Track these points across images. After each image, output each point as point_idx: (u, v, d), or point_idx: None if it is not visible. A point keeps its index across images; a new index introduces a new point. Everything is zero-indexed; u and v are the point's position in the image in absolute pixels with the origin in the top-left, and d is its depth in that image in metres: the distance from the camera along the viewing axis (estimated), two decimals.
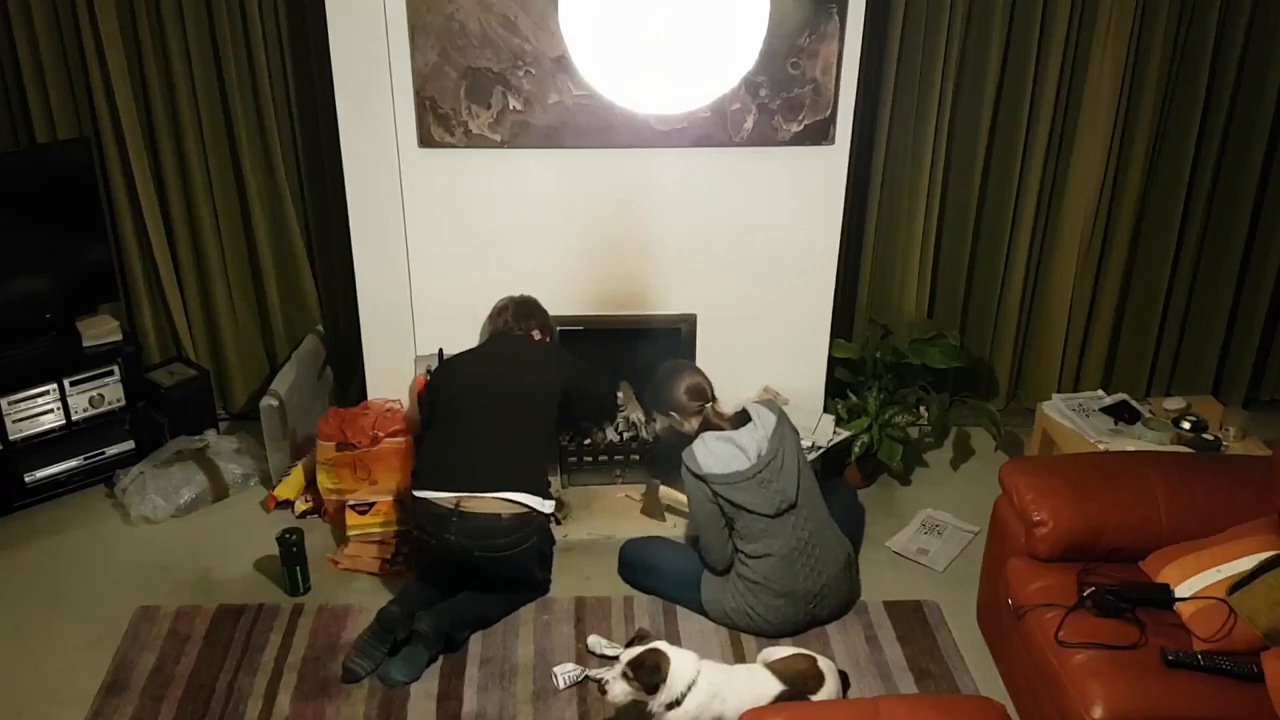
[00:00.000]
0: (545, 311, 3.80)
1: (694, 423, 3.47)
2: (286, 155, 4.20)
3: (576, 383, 3.65)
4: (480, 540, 3.29)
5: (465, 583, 3.44)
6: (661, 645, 2.87)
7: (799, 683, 2.92)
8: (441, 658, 3.32)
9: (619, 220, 3.83)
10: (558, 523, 3.79)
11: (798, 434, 3.48)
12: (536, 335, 3.73)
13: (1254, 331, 4.59)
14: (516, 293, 3.80)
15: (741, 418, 3.44)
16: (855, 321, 4.49)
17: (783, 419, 3.43)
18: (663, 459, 3.83)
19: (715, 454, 3.32)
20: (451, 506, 3.28)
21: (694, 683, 2.83)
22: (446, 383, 3.58)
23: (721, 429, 3.40)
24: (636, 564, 3.63)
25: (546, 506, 3.38)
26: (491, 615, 3.46)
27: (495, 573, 3.39)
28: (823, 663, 3.00)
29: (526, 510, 3.32)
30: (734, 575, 3.38)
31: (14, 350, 3.93)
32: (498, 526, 3.29)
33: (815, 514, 3.39)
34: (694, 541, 3.57)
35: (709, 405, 3.48)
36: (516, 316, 3.72)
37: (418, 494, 3.35)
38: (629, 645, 2.93)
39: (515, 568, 3.42)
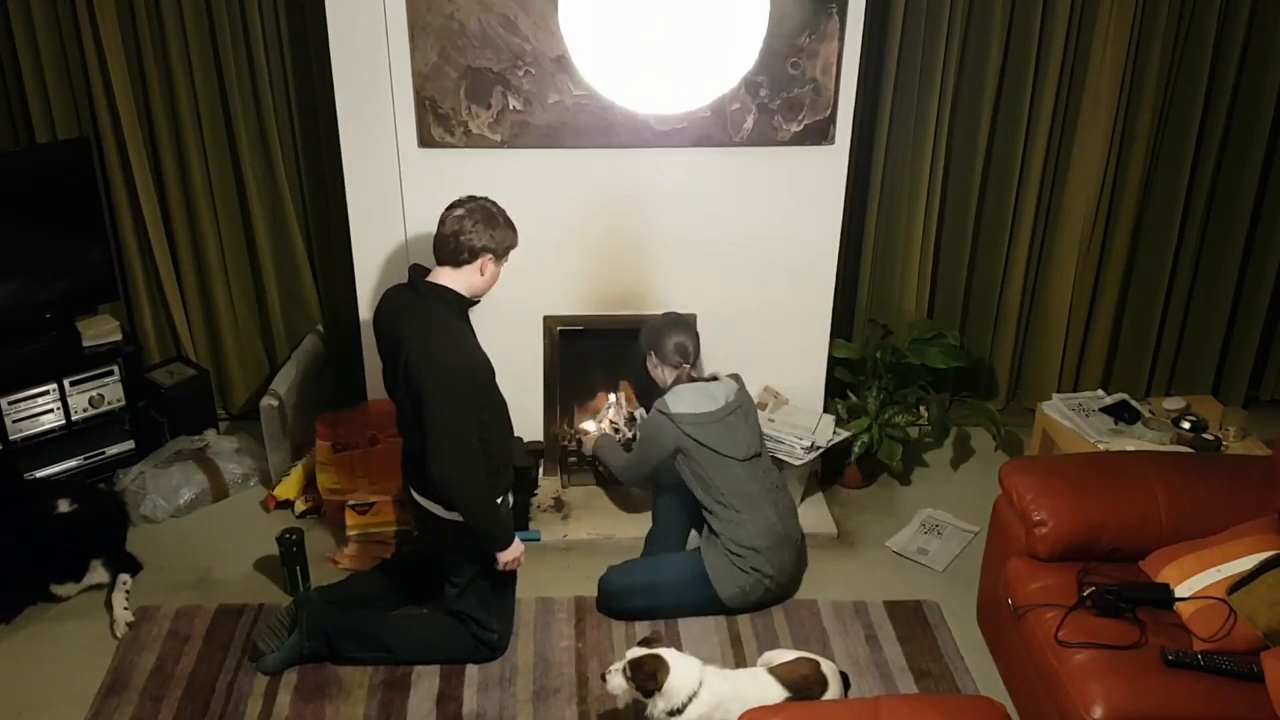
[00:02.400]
0: (498, 232, 3.06)
1: (668, 374, 3.61)
2: (286, 155, 4.20)
3: (426, 398, 2.95)
4: (426, 530, 3.31)
5: (416, 593, 3.41)
6: (668, 653, 2.86)
7: (803, 688, 2.91)
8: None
9: (619, 220, 3.83)
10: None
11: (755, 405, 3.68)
12: (486, 267, 3.08)
13: (1254, 331, 4.59)
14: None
15: (711, 377, 3.65)
16: (855, 321, 4.49)
17: (743, 387, 3.62)
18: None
19: (686, 398, 3.47)
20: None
21: (696, 693, 2.82)
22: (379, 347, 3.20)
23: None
24: (627, 589, 3.50)
25: (449, 515, 3.12)
26: (397, 648, 3.24)
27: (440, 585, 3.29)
28: (825, 666, 2.99)
29: (432, 512, 3.18)
30: (730, 548, 3.42)
31: (14, 350, 3.93)
32: (426, 518, 3.23)
33: (774, 469, 3.61)
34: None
35: (686, 366, 3.59)
36: (445, 240, 3.03)
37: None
38: (638, 645, 2.93)
39: (448, 556, 3.25)
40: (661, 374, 3.63)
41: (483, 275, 3.11)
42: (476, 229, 3.02)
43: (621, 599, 3.51)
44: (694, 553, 3.53)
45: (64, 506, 3.62)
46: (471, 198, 3.10)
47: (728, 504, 3.42)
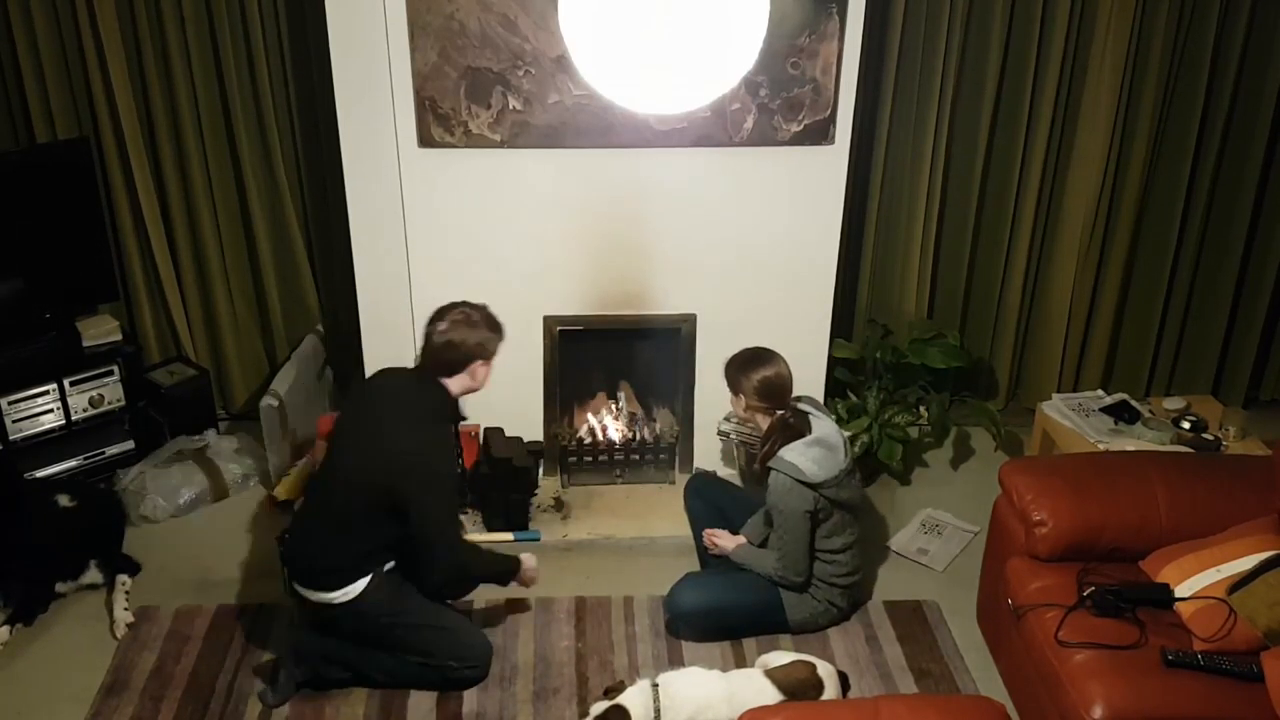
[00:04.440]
0: (481, 342, 3.11)
1: (762, 420, 3.35)
2: (286, 155, 4.20)
3: (412, 498, 3.00)
4: (320, 618, 3.19)
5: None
6: (627, 695, 2.84)
7: (799, 691, 2.91)
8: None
9: (619, 220, 3.83)
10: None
11: None
12: (450, 386, 3.13)
13: (1254, 331, 4.59)
14: (474, 300, 3.19)
15: (804, 416, 3.34)
16: (855, 321, 4.49)
17: (826, 411, 3.43)
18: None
19: (817, 460, 3.20)
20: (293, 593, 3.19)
21: (659, 710, 2.82)
22: (336, 424, 3.31)
23: (802, 434, 3.28)
24: (706, 610, 3.36)
25: (340, 597, 3.09)
26: (367, 669, 3.19)
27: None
28: (822, 669, 3.00)
29: (323, 601, 3.13)
30: (816, 580, 3.35)
31: (14, 350, 3.93)
32: (317, 607, 3.16)
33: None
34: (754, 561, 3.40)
35: (782, 412, 3.30)
36: (433, 348, 3.11)
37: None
38: (605, 694, 2.93)
39: (374, 638, 3.16)
40: (753, 418, 3.36)
41: (474, 380, 3.16)
42: (463, 339, 3.09)
43: (695, 620, 3.37)
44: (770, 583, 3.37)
45: (64, 502, 3.64)
46: (450, 306, 3.14)
47: (834, 548, 3.32)
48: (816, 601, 3.38)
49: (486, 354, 3.14)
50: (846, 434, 3.67)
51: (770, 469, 3.25)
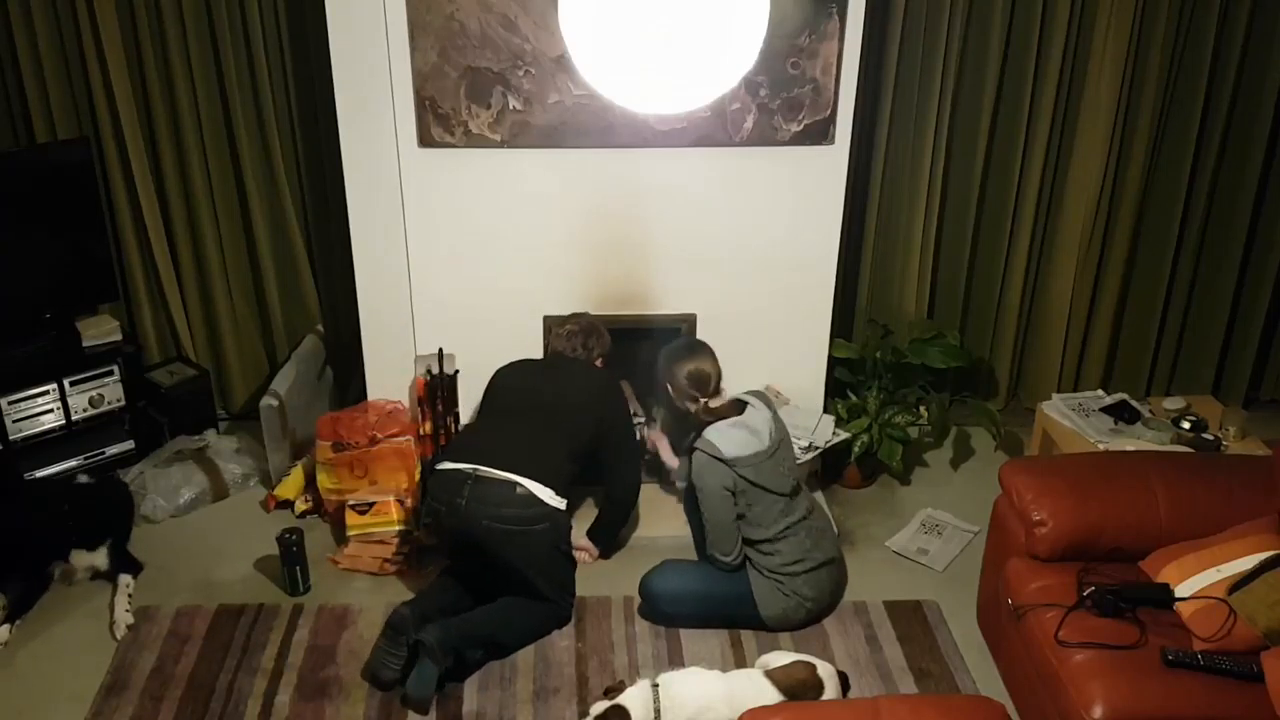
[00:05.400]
0: (605, 334, 3.74)
1: (689, 406, 3.48)
2: (286, 155, 4.20)
3: (609, 424, 3.54)
4: (490, 507, 3.24)
5: (482, 590, 3.39)
6: (627, 695, 2.86)
7: (799, 692, 2.91)
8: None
9: (619, 220, 3.83)
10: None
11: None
12: (599, 363, 3.70)
13: (1254, 331, 4.59)
14: (582, 310, 3.83)
15: (738, 404, 3.47)
16: (855, 321, 4.49)
17: (776, 412, 3.49)
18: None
19: (733, 439, 3.33)
20: (469, 472, 3.29)
21: (659, 710, 2.83)
22: (499, 383, 3.63)
23: (725, 417, 3.41)
24: (678, 595, 3.44)
25: (558, 502, 3.34)
26: (504, 638, 3.35)
27: (505, 554, 3.28)
28: (822, 669, 3.00)
29: (538, 498, 3.29)
30: (766, 574, 3.38)
31: (14, 350, 3.93)
32: (510, 496, 3.26)
33: (808, 493, 3.54)
34: (700, 542, 3.53)
35: (703, 400, 3.45)
36: (584, 341, 3.69)
37: (437, 467, 3.38)
38: (605, 694, 2.94)
39: (526, 551, 3.30)
40: (683, 405, 3.50)
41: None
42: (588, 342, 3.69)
43: (662, 603, 3.45)
44: (745, 572, 3.43)
45: (83, 479, 3.79)
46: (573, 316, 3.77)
47: (768, 537, 3.36)
48: (784, 596, 3.38)
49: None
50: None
51: (695, 448, 3.38)
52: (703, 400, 3.46)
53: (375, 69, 3.58)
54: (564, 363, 3.67)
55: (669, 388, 3.52)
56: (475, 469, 3.30)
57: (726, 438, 3.33)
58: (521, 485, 3.28)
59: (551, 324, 3.91)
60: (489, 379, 3.66)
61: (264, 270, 4.35)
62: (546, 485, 3.32)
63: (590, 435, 3.48)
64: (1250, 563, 2.83)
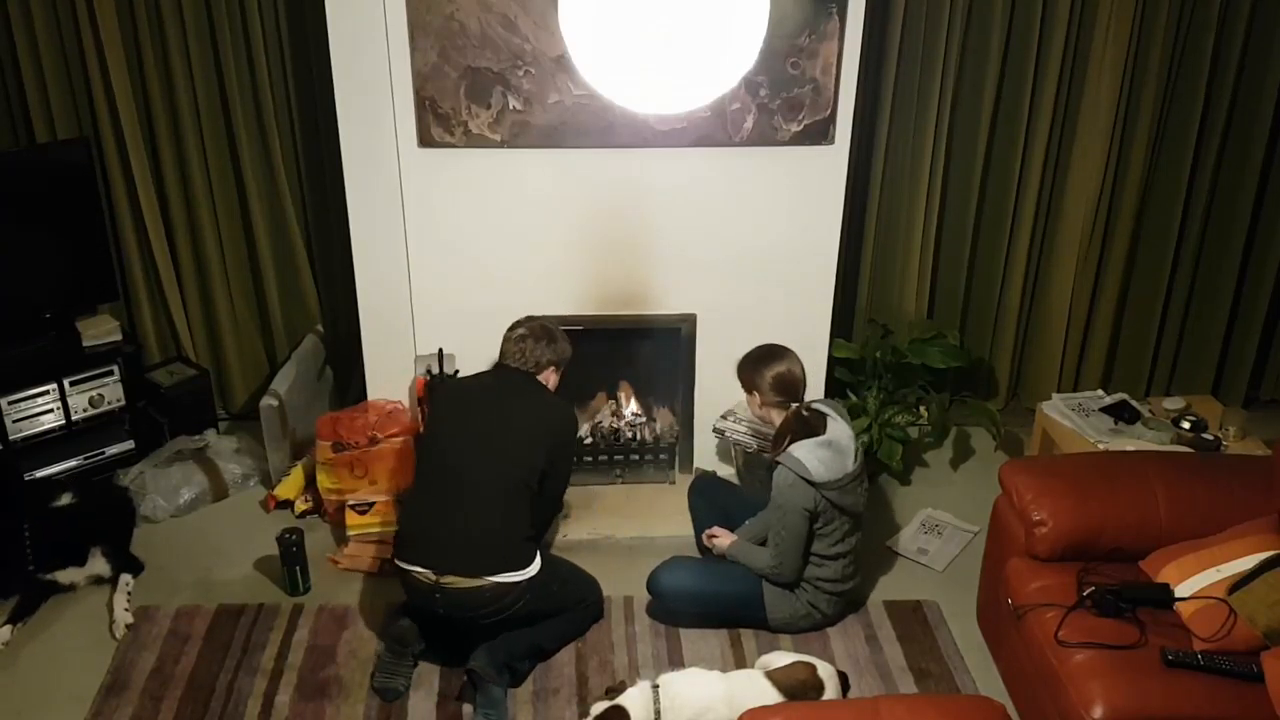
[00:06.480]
0: (564, 343, 3.46)
1: (775, 415, 3.37)
2: (286, 155, 4.20)
3: (557, 454, 3.34)
4: (467, 611, 3.18)
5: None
6: (627, 696, 2.85)
7: (799, 692, 2.91)
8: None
9: (619, 220, 3.83)
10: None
11: None
12: (550, 378, 3.45)
13: (1254, 331, 4.59)
14: (536, 314, 3.52)
15: (821, 416, 3.36)
16: (855, 321, 4.49)
17: (846, 416, 3.44)
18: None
19: (822, 460, 3.22)
20: (433, 582, 3.15)
21: (659, 710, 2.83)
22: (440, 429, 3.39)
23: (817, 432, 3.30)
24: (680, 593, 3.41)
25: (532, 568, 3.20)
26: (547, 643, 3.33)
27: (505, 629, 3.22)
28: (822, 670, 3.00)
29: (511, 584, 3.18)
30: (804, 581, 3.36)
31: (14, 350, 3.93)
32: (482, 598, 3.15)
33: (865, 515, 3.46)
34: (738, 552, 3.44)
35: (795, 406, 3.33)
36: (532, 348, 3.39)
37: (399, 563, 3.23)
38: (605, 694, 2.94)
39: (520, 617, 3.22)
40: (769, 415, 3.39)
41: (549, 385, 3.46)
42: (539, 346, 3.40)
43: (671, 600, 3.43)
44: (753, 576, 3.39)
45: (66, 499, 3.70)
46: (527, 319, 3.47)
47: (820, 551, 3.31)
48: (800, 604, 3.37)
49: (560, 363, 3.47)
50: (862, 441, 3.70)
51: (778, 463, 3.28)
52: (793, 405, 3.35)
53: (375, 69, 3.58)
54: (509, 386, 3.39)
55: (754, 395, 3.39)
56: (438, 581, 3.14)
57: (815, 458, 3.22)
58: (490, 583, 3.14)
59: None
60: (433, 398, 3.55)
61: (264, 270, 4.35)
62: (515, 568, 3.17)
63: (542, 463, 3.27)
64: (1250, 563, 2.83)
